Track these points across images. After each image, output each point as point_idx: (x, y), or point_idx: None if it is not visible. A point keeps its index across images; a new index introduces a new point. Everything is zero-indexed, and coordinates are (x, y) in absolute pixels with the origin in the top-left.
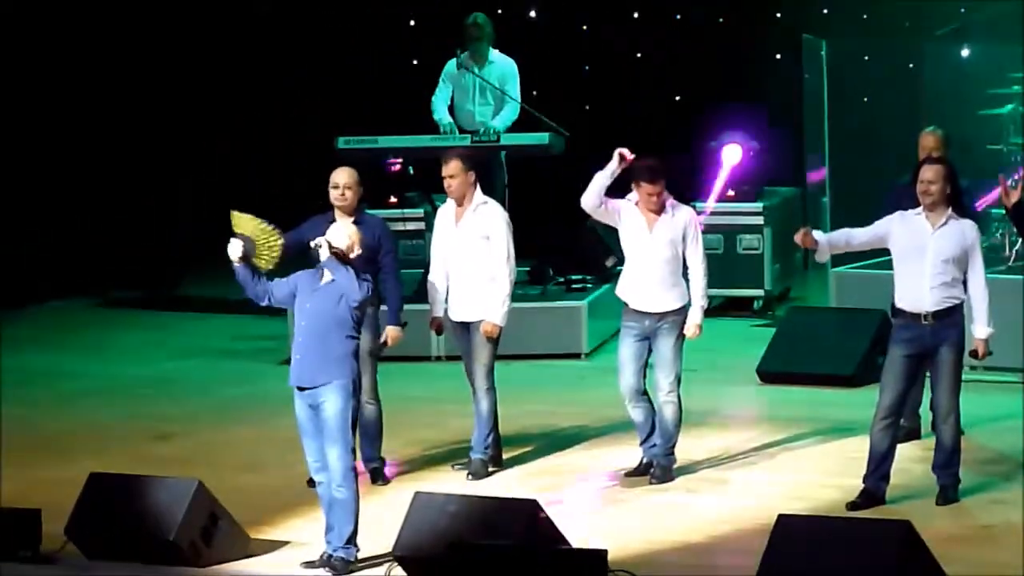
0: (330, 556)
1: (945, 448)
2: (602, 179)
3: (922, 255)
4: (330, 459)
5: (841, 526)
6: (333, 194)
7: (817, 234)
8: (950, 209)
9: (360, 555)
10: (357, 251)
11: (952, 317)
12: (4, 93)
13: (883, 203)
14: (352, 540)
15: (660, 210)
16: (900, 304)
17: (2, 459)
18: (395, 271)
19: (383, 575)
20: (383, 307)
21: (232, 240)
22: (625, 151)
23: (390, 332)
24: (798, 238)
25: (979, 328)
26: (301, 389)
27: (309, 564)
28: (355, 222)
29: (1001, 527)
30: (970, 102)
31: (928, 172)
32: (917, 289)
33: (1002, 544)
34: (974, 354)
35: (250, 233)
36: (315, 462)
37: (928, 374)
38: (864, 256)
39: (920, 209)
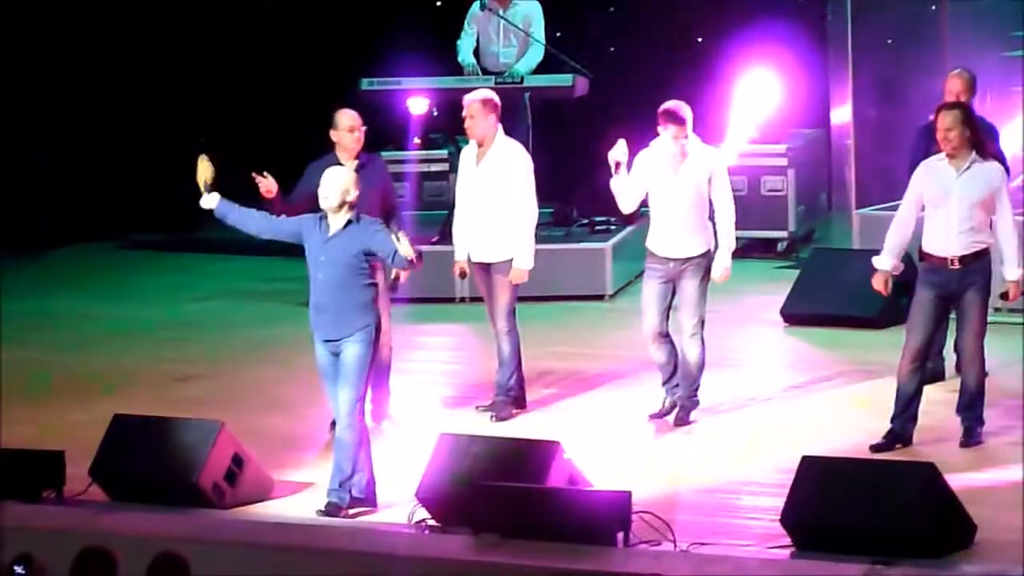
0: (326, 503)
1: (969, 390)
2: (619, 184)
3: (947, 200)
4: (340, 401)
5: (865, 467)
6: (348, 137)
7: (888, 265)
8: (974, 152)
9: (384, 497)
10: (355, 193)
11: (979, 262)
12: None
13: (911, 146)
14: (345, 485)
15: (684, 153)
16: (927, 248)
17: (20, 402)
18: (397, 211)
19: (408, 516)
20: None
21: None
22: (618, 154)
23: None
24: (879, 287)
25: (1010, 270)
26: (326, 340)
27: (322, 512)
28: (360, 164)
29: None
30: (993, 44)
31: (946, 118)
32: (944, 234)
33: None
34: (1004, 296)
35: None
36: (336, 406)
37: (954, 317)
38: (888, 197)
39: (943, 154)
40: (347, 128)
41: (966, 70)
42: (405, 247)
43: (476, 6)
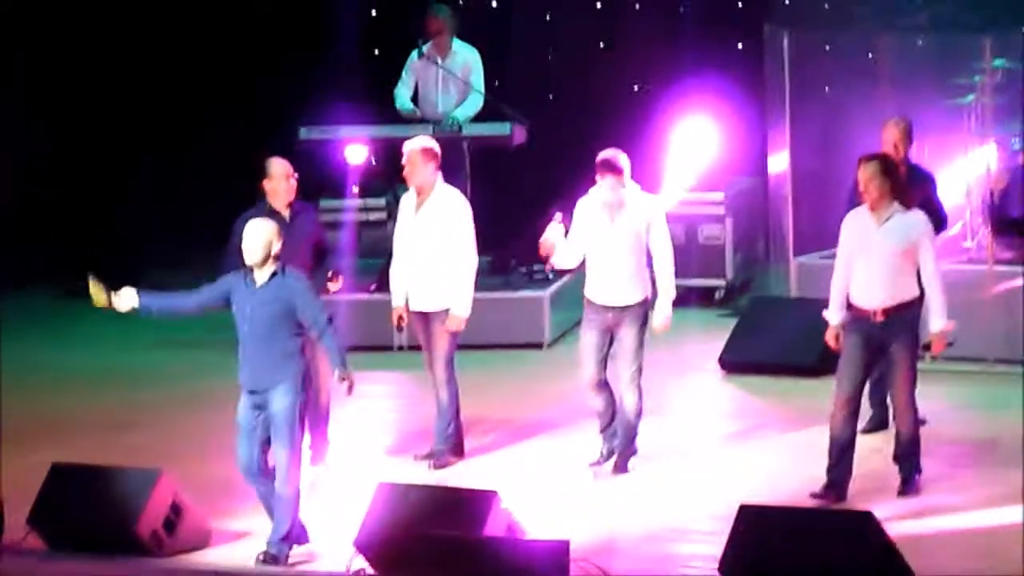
0: (264, 552)
1: (903, 440)
2: (560, 252)
3: (869, 252)
4: (278, 456)
5: (803, 516)
6: (284, 185)
7: (836, 319)
8: (895, 203)
9: (321, 545)
10: (278, 245)
11: (903, 313)
12: None
13: (846, 198)
14: (287, 538)
15: (622, 202)
16: (853, 299)
17: None
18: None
19: (346, 565)
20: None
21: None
22: (552, 235)
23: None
24: (831, 341)
25: (933, 320)
26: (252, 392)
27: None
28: (294, 212)
29: (964, 518)
30: (932, 91)
31: (866, 170)
32: (867, 286)
33: (964, 537)
34: (927, 347)
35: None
36: (242, 462)
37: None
38: (825, 245)
39: (866, 206)
40: (283, 176)
41: (903, 119)
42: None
43: (414, 55)
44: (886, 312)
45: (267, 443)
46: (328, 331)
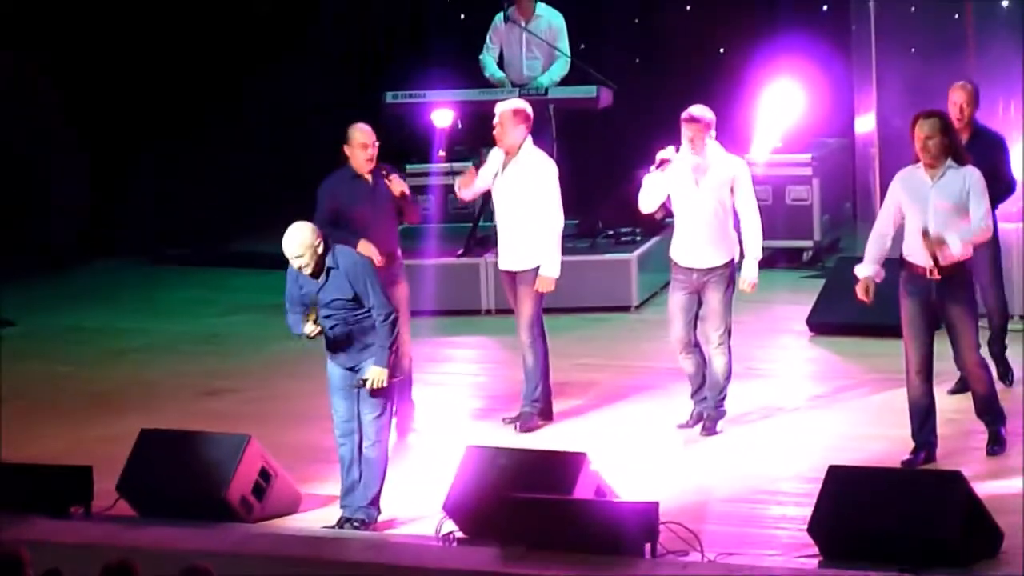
0: (348, 519)
1: (981, 398)
2: (652, 180)
3: (924, 209)
4: (365, 417)
5: (892, 477)
6: (361, 155)
7: (869, 271)
8: (949, 159)
9: (411, 509)
10: (319, 242)
11: (959, 271)
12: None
13: None
14: (376, 502)
15: (706, 162)
16: (907, 255)
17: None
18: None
19: (435, 529)
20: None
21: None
22: (666, 152)
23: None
24: (862, 297)
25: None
26: (343, 368)
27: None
28: (375, 178)
29: None
30: (1018, 51)
31: (925, 127)
32: (921, 243)
33: None
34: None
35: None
36: (344, 422)
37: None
38: None
39: (920, 164)
40: (359, 145)
41: (969, 82)
42: (396, 185)
43: (498, 19)
44: (942, 271)
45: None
46: (384, 325)
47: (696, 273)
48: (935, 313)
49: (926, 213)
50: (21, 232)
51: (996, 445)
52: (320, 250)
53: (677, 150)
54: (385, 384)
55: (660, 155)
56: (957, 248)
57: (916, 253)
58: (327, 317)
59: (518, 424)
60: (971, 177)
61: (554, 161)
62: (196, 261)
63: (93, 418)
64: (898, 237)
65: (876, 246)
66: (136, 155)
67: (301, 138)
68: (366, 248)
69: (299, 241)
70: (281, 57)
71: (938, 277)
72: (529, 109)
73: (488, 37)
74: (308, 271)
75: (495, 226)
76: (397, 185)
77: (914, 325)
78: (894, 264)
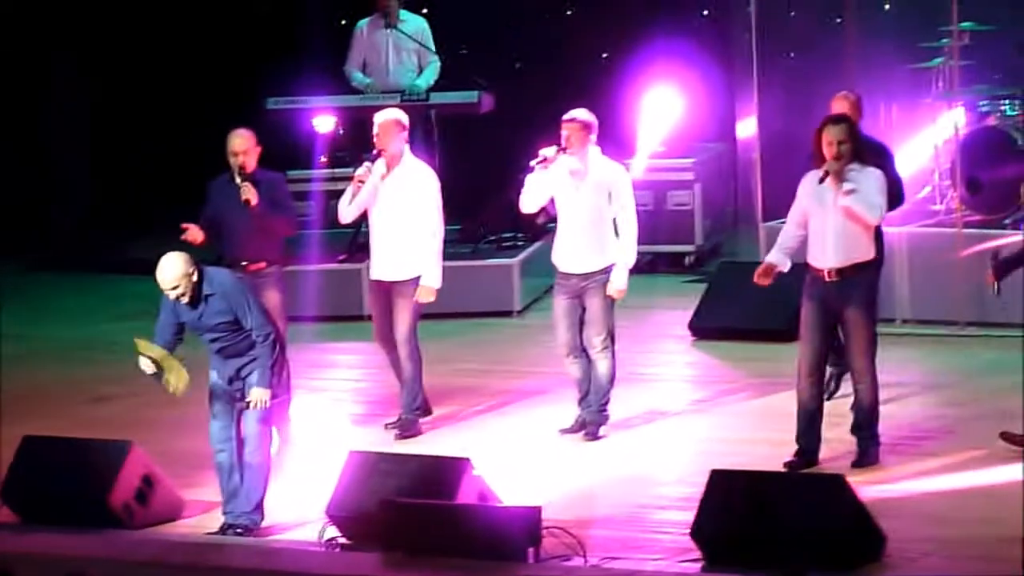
0: (230, 525)
1: (863, 409)
2: (534, 179)
3: (825, 210)
4: (248, 424)
5: (775, 481)
6: (233, 161)
7: (773, 260)
8: (855, 163)
9: (293, 515)
10: (192, 269)
11: (857, 275)
12: None
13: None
14: (259, 507)
15: (585, 167)
16: (809, 259)
17: None
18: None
19: (317, 534)
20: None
21: (142, 359)
22: (548, 151)
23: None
24: (758, 280)
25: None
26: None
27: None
28: (256, 181)
29: (932, 482)
30: (900, 56)
31: (832, 133)
32: (821, 245)
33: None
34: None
35: (157, 358)
36: (221, 428)
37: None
38: None
39: (825, 167)
40: (230, 151)
41: (852, 92)
42: (244, 192)
43: (360, 26)
44: (840, 272)
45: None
46: (264, 346)
47: (575, 278)
48: (834, 317)
49: (826, 216)
50: None
51: (866, 459)
52: (195, 278)
53: (560, 150)
54: (268, 404)
55: (542, 152)
56: (854, 199)
57: (819, 257)
58: (212, 340)
59: (398, 431)
60: (872, 175)
61: (436, 166)
62: (84, 267)
63: None
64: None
65: (787, 240)
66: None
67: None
68: (246, 191)
69: (172, 273)
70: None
71: (836, 279)
72: (406, 119)
73: (350, 46)
74: (185, 300)
75: (366, 234)
76: (244, 193)
77: (809, 327)
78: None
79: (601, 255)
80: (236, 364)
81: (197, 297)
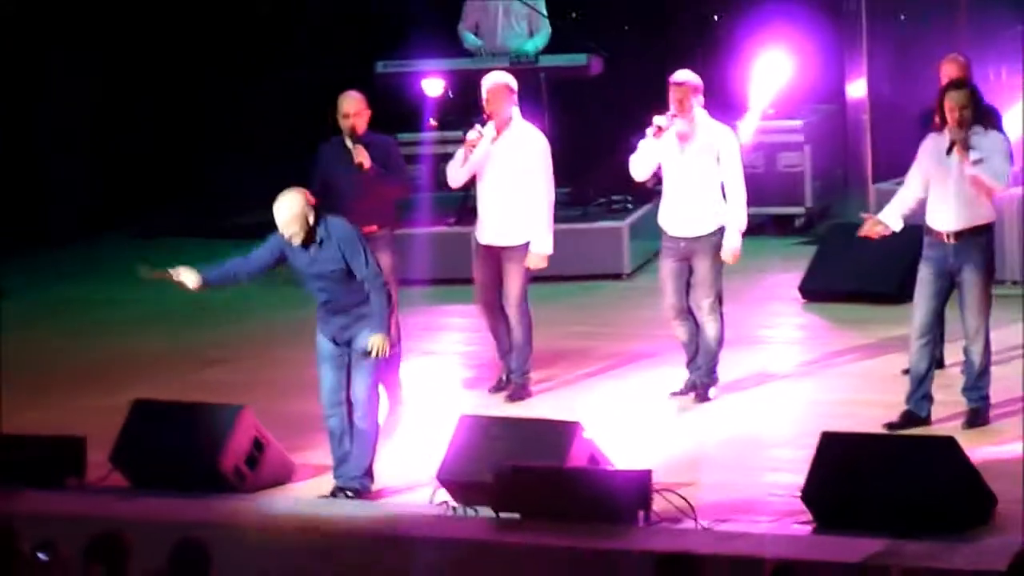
0: (341, 488)
1: (973, 370)
2: (646, 146)
3: (947, 174)
4: (357, 388)
5: (885, 442)
6: (345, 123)
7: (885, 218)
8: (976, 127)
9: (405, 479)
10: (310, 211)
11: (976, 237)
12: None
13: (919, 122)
14: (369, 472)
15: (692, 129)
16: (928, 222)
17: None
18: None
19: (429, 498)
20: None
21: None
22: (662, 121)
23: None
24: (865, 232)
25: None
26: (334, 340)
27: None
28: (365, 143)
29: None
30: (1009, 19)
31: (957, 97)
32: (942, 208)
33: None
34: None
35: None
36: (332, 393)
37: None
38: (903, 171)
39: (947, 133)
40: (341, 113)
41: (961, 54)
42: (357, 155)
43: None
44: (959, 235)
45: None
46: (380, 293)
47: (683, 241)
48: (951, 280)
49: (948, 178)
50: (15, 206)
51: (976, 420)
52: (311, 220)
53: (673, 116)
54: (387, 352)
55: (656, 120)
56: (981, 168)
57: (939, 219)
58: (320, 289)
59: (511, 394)
60: (996, 139)
61: (545, 129)
62: (188, 232)
63: (86, 389)
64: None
65: (905, 201)
66: (137, 128)
67: (299, 108)
68: (359, 153)
69: (289, 211)
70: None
71: (954, 241)
72: (514, 82)
73: (463, 10)
74: (298, 240)
75: (475, 198)
76: (358, 156)
77: (923, 289)
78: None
79: (709, 218)
80: (341, 322)
81: (311, 239)
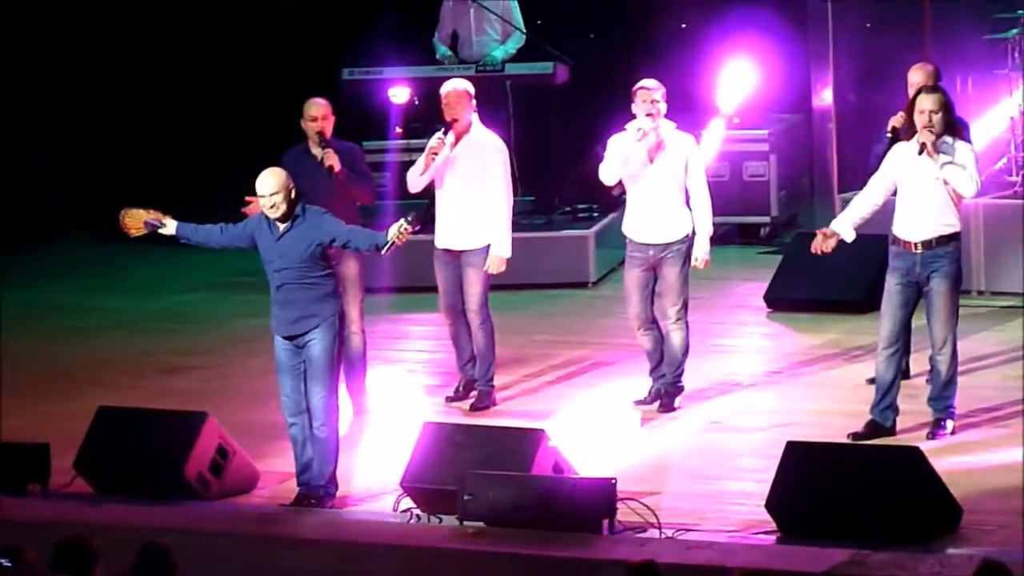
0: (304, 495)
1: (940, 379)
2: (622, 152)
3: (915, 182)
4: (313, 398)
5: (849, 451)
6: (311, 127)
7: (837, 228)
8: (945, 135)
9: (368, 487)
10: (292, 187)
11: (944, 247)
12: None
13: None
14: (332, 479)
15: (659, 140)
16: (895, 231)
17: (5, 394)
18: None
19: (393, 505)
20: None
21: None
22: (645, 124)
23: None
24: (817, 248)
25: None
26: (286, 337)
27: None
28: (333, 149)
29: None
30: (976, 27)
31: (928, 101)
32: (910, 217)
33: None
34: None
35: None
36: (292, 402)
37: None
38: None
39: (916, 138)
40: (308, 118)
41: (929, 62)
42: (328, 159)
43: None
44: (927, 244)
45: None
46: (356, 232)
47: (652, 249)
48: (918, 290)
49: (917, 188)
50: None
51: (939, 431)
52: (293, 196)
53: (653, 120)
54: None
55: (640, 124)
56: (952, 171)
57: (906, 228)
58: (278, 271)
59: (474, 403)
60: (964, 148)
61: (511, 137)
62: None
63: (51, 395)
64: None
65: (858, 208)
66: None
67: (262, 114)
68: (329, 157)
69: (276, 180)
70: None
71: (922, 251)
72: (471, 87)
73: (440, 18)
74: (277, 213)
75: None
76: (328, 159)
77: (891, 299)
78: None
79: (677, 225)
80: (292, 314)
81: (289, 214)
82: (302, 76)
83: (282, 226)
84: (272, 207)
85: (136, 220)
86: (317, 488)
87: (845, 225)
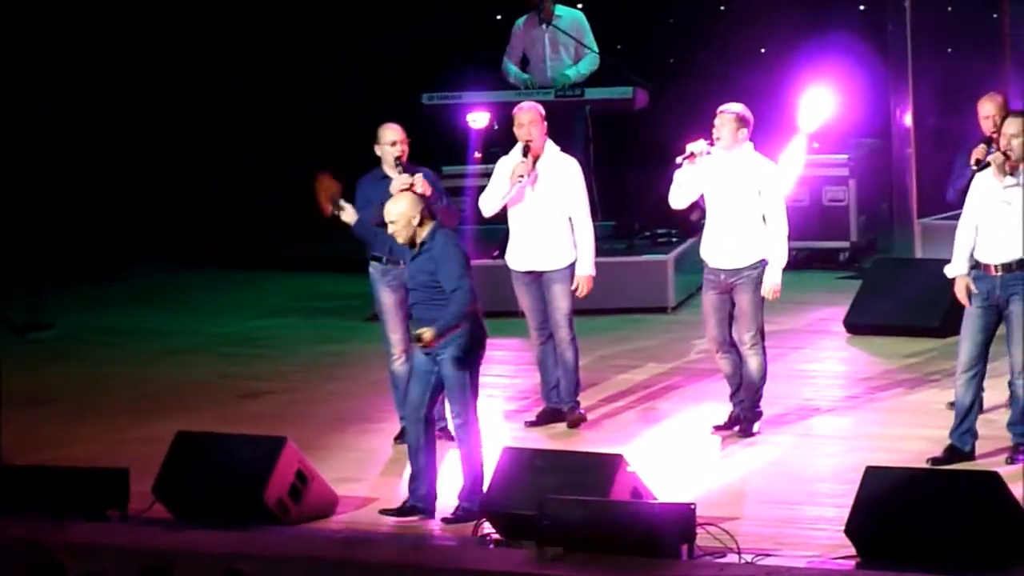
0: (413, 505)
1: (1019, 404)
2: (683, 176)
3: (1000, 206)
4: (456, 416)
5: (929, 476)
6: (388, 152)
7: (963, 268)
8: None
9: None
10: (417, 215)
11: (1023, 269)
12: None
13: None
14: (475, 492)
15: (736, 161)
16: (978, 255)
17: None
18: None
19: (472, 530)
20: None
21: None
22: (696, 146)
23: None
24: (961, 296)
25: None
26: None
27: (388, 512)
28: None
29: None
30: None
31: (1012, 125)
32: (989, 240)
33: None
34: None
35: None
36: (415, 408)
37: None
38: (950, 206)
39: (1007, 163)
40: (387, 143)
41: (998, 92)
42: (418, 185)
43: (518, 23)
44: (1006, 267)
45: (437, 391)
46: (454, 302)
47: (724, 273)
48: (998, 313)
49: (996, 211)
50: (60, 235)
51: (1017, 455)
52: (416, 224)
53: (711, 144)
54: (428, 341)
55: (689, 147)
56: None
57: (984, 251)
58: (412, 289)
59: (570, 422)
60: None
61: (590, 161)
62: (232, 264)
63: (131, 420)
64: None
65: (962, 247)
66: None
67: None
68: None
69: (396, 210)
70: (328, 59)
71: (1001, 273)
72: (541, 109)
73: (510, 42)
74: (400, 240)
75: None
76: (419, 185)
77: (970, 323)
78: (928, 265)
79: (749, 251)
80: (433, 348)
81: (411, 242)
82: (379, 102)
83: (413, 251)
84: (394, 233)
85: (327, 190)
86: (422, 499)
87: (963, 265)
